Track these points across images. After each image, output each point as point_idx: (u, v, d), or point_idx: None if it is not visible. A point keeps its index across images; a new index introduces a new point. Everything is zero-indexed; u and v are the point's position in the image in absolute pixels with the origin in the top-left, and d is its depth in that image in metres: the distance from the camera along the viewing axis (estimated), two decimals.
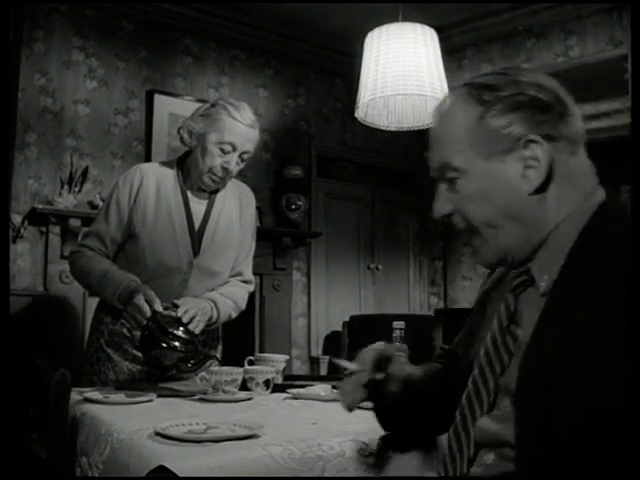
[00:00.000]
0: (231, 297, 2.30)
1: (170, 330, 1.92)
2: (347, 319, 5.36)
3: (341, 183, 5.89)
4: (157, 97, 4.76)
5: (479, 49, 5.52)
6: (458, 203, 1.13)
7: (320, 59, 5.72)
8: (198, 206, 2.28)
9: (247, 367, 1.98)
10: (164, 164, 2.32)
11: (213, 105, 2.21)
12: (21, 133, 4.26)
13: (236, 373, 1.83)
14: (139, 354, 2.15)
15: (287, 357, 2.21)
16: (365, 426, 1.41)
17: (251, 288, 2.43)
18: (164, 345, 1.88)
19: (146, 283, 2.11)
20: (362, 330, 5.28)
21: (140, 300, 1.99)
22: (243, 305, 2.36)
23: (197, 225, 2.25)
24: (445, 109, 1.14)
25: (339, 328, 5.43)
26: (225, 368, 1.85)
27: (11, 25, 4.34)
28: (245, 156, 2.20)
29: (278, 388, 2.00)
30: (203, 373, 1.95)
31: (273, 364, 2.12)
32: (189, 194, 2.27)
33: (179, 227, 2.21)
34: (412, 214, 6.38)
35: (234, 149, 2.15)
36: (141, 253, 2.19)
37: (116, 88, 4.68)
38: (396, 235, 6.23)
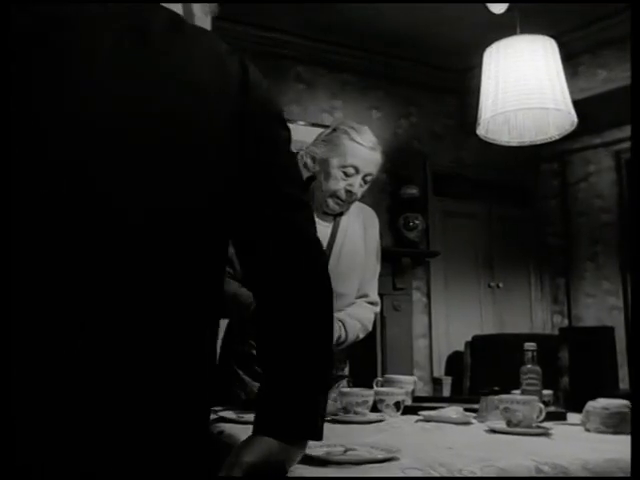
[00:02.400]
0: (358, 318, 2.29)
1: None
2: (469, 339, 5.25)
3: (457, 200, 5.81)
4: None
5: (594, 54, 5.33)
6: None
7: (430, 77, 5.69)
8: (323, 229, 2.28)
9: (377, 389, 1.96)
10: None
11: (334, 130, 2.23)
12: None
13: (367, 395, 1.82)
14: None
15: (415, 378, 2.19)
16: (497, 450, 1.37)
17: (377, 309, 2.42)
18: None
19: None
20: (485, 350, 5.15)
21: None
22: (370, 326, 2.35)
23: (325, 244, 2.27)
24: None
25: (461, 348, 5.32)
26: (356, 390, 1.84)
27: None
28: (368, 178, 2.21)
29: (408, 410, 1.97)
30: (334, 394, 1.95)
31: (402, 385, 2.10)
32: (315, 216, 2.30)
33: None
34: (530, 230, 6.22)
35: (357, 172, 2.16)
36: None
37: None
38: (515, 252, 6.08)
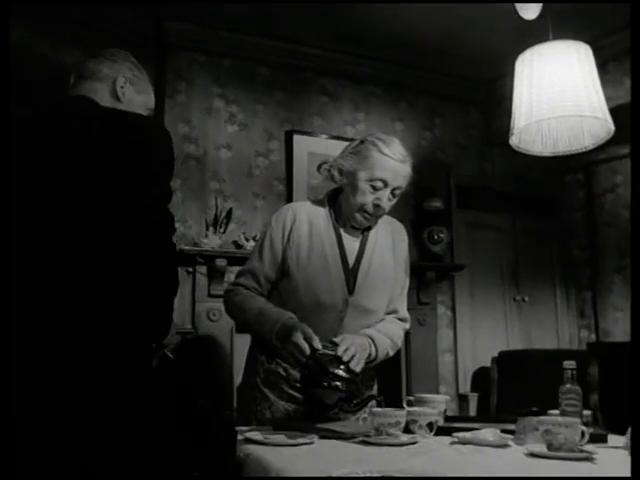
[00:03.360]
0: (388, 334, 2.23)
1: (331, 369, 1.86)
2: (495, 354, 5.16)
3: (481, 213, 5.72)
4: (296, 137, 4.83)
5: (619, 62, 5.23)
6: None
7: (454, 87, 5.63)
8: (351, 243, 2.24)
9: (409, 409, 1.89)
10: (315, 202, 2.30)
11: (362, 141, 2.18)
12: None
13: (400, 415, 1.74)
14: (295, 394, 2.12)
15: (447, 397, 2.10)
16: (539, 475, 1.29)
17: (407, 326, 2.36)
18: (325, 384, 1.84)
19: (303, 321, 2.07)
20: (512, 366, 5.06)
21: (299, 338, 1.95)
22: (400, 343, 2.29)
23: (351, 262, 2.21)
24: None
25: (486, 363, 5.24)
26: (388, 410, 1.76)
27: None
28: (397, 192, 2.15)
29: (441, 431, 1.90)
30: (365, 414, 1.88)
31: (434, 405, 2.03)
32: (342, 231, 2.23)
33: (333, 265, 2.18)
34: (555, 242, 6.11)
35: (385, 185, 2.10)
36: (295, 291, 2.17)
37: (256, 131, 4.78)
38: (540, 264, 5.97)
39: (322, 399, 1.85)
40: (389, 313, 2.30)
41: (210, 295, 4.29)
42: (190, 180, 4.50)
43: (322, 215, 2.23)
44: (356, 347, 1.99)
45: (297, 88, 4.98)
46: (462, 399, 5.28)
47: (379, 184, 2.09)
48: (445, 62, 5.31)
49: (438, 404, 2.04)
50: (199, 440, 1.70)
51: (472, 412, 5.22)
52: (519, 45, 4.93)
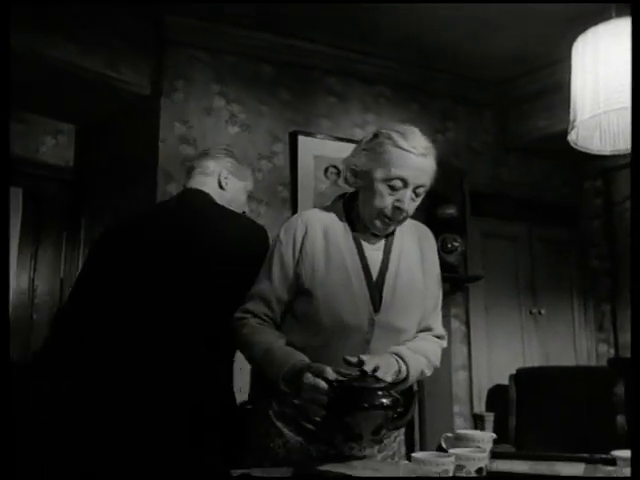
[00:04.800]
0: (422, 352, 1.95)
1: (359, 385, 1.60)
2: (511, 371, 4.85)
3: (496, 221, 5.42)
4: (301, 139, 4.52)
5: None
6: None
7: (467, 89, 5.34)
8: (374, 253, 1.94)
9: (456, 452, 1.56)
10: (328, 209, 2.01)
11: (376, 135, 1.89)
12: (162, 184, 4.11)
13: (447, 463, 1.43)
14: (314, 428, 1.84)
15: (494, 435, 1.77)
16: None
17: (444, 344, 2.09)
18: (361, 406, 1.56)
19: (323, 347, 1.82)
20: (531, 384, 4.75)
21: (310, 379, 1.67)
22: (437, 362, 2.03)
23: (375, 275, 1.92)
24: None
25: (502, 381, 4.93)
26: (432, 456, 1.44)
27: (147, 77, 4.28)
28: (420, 191, 1.86)
29: (492, 476, 1.58)
30: (405, 462, 1.57)
31: (479, 444, 1.70)
32: (362, 240, 1.94)
33: (355, 279, 1.88)
34: (573, 251, 5.82)
35: (405, 185, 1.81)
36: (315, 312, 1.86)
37: (259, 132, 4.48)
38: (557, 275, 5.67)
39: (359, 424, 1.57)
40: (422, 331, 2.02)
41: None
42: None
43: (338, 223, 1.94)
44: (378, 359, 1.71)
45: (303, 88, 4.68)
46: (477, 419, 4.96)
47: (398, 184, 1.81)
48: (458, 63, 5.03)
49: (484, 443, 1.72)
50: None
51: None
52: (532, 48, 4.72)
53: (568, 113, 5.14)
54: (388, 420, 1.59)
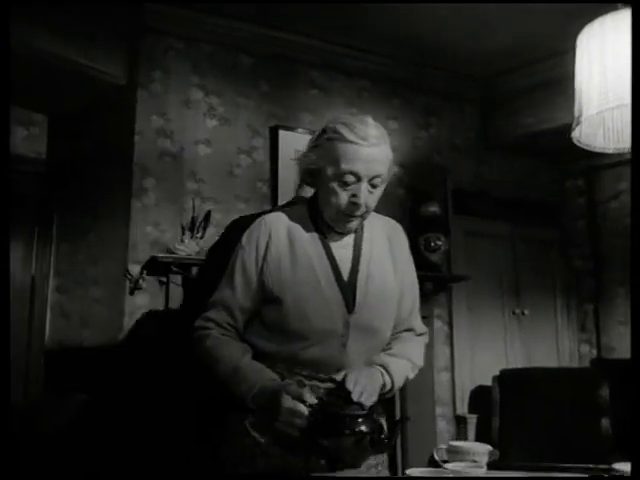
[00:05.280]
0: (406, 356, 1.89)
1: (341, 412, 1.53)
2: (494, 372, 4.76)
3: (479, 220, 5.33)
4: (282, 133, 4.39)
5: None
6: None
7: (451, 85, 5.24)
8: (343, 252, 1.85)
9: (451, 467, 1.45)
10: (292, 210, 1.91)
11: (324, 131, 1.78)
12: (138, 179, 3.96)
13: None
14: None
15: (490, 448, 1.67)
16: None
17: (427, 339, 2.03)
18: (341, 432, 1.49)
19: (298, 353, 1.74)
20: (514, 386, 4.66)
21: (289, 402, 1.58)
22: (421, 362, 1.97)
23: (346, 275, 1.82)
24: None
25: (485, 382, 4.84)
26: (430, 473, 1.33)
27: (123, 67, 4.12)
28: (377, 181, 1.75)
29: None
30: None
31: (475, 458, 1.59)
32: (328, 240, 1.85)
33: (325, 281, 1.79)
34: (556, 251, 5.75)
35: (358, 178, 1.72)
36: (286, 319, 1.76)
37: (238, 126, 4.33)
38: (541, 275, 5.60)
39: (338, 450, 1.50)
40: (404, 331, 1.94)
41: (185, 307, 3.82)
42: (165, 179, 4.04)
43: (302, 224, 1.85)
44: (364, 380, 1.65)
45: (284, 80, 4.55)
46: (460, 421, 4.86)
47: (351, 178, 1.72)
48: (443, 58, 4.94)
49: (481, 456, 1.61)
50: None
51: (471, 435, 4.81)
52: (518, 45, 4.63)
53: (553, 111, 5.13)
54: (370, 445, 1.53)
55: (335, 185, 1.73)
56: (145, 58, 4.09)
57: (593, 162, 5.64)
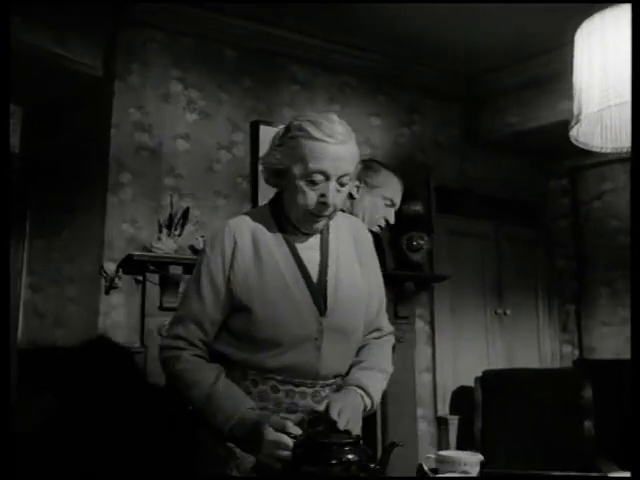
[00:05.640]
0: (378, 366, 1.85)
1: (329, 441, 1.47)
2: (476, 372, 4.70)
3: (462, 219, 5.27)
4: (263, 129, 4.29)
5: None
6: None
7: (435, 81, 5.17)
8: (310, 253, 1.79)
9: (440, 477, 1.36)
10: (255, 214, 1.84)
11: (288, 129, 1.73)
12: (115, 174, 3.85)
13: None
14: None
15: (481, 458, 1.59)
16: None
17: (393, 339, 1.97)
18: (328, 463, 1.43)
19: (271, 362, 1.68)
20: (497, 387, 4.61)
21: (272, 435, 1.52)
22: (392, 368, 1.91)
23: (315, 277, 1.76)
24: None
25: (466, 382, 4.79)
26: None
27: (100, 58, 4.01)
28: (345, 180, 1.70)
29: None
30: None
31: (465, 468, 1.51)
32: (294, 242, 1.78)
33: (294, 284, 1.73)
34: (540, 251, 5.72)
35: (327, 177, 1.66)
36: (256, 328, 1.69)
37: (218, 121, 4.23)
38: (523, 275, 5.56)
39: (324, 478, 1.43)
40: (372, 332, 1.90)
41: (162, 308, 3.72)
42: (142, 174, 3.93)
43: (267, 228, 1.78)
44: (348, 408, 1.61)
45: (266, 75, 4.45)
46: (441, 422, 4.80)
47: (319, 177, 1.66)
48: (428, 54, 4.87)
49: (472, 467, 1.53)
50: None
51: (452, 437, 4.75)
52: (510, 39, 4.57)
53: (538, 109, 5.08)
54: (359, 473, 1.47)
55: (303, 184, 1.66)
56: (123, 49, 3.98)
57: (577, 162, 5.60)
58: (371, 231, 2.52)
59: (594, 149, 1.97)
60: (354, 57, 4.75)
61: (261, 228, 1.77)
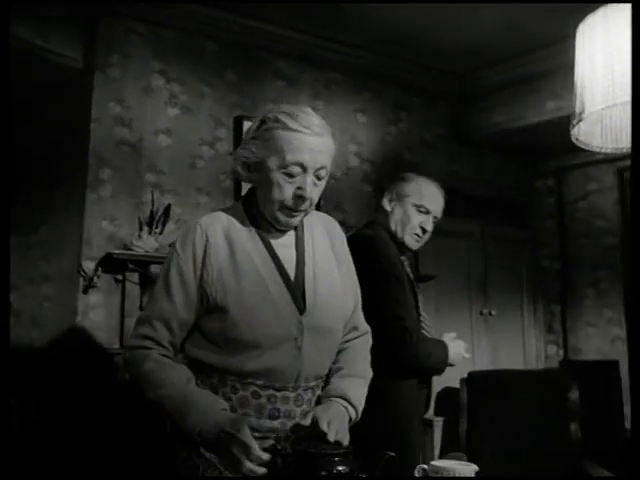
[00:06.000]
0: (358, 373, 1.77)
1: (322, 452, 1.40)
2: (462, 374, 4.64)
3: (449, 218, 5.15)
4: (247, 125, 4.19)
5: None
6: None
7: (423, 79, 5.10)
8: (286, 250, 1.70)
9: None
10: (227, 210, 1.74)
11: (263, 121, 1.63)
12: (94, 169, 3.75)
13: None
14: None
15: (476, 468, 1.51)
16: None
17: (370, 339, 1.88)
18: (319, 475, 1.34)
19: (249, 364, 1.58)
20: (482, 388, 4.55)
21: (248, 437, 1.45)
22: (371, 372, 1.82)
23: (292, 275, 1.68)
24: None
25: (452, 384, 4.72)
26: None
27: (80, 49, 3.90)
28: (322, 173, 1.62)
29: None
30: None
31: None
32: (270, 239, 1.69)
33: (272, 283, 1.64)
34: (526, 251, 5.68)
35: (304, 169, 1.58)
36: (232, 329, 1.59)
37: (201, 116, 4.14)
38: (509, 275, 5.51)
39: None
40: (350, 331, 1.82)
41: (143, 308, 3.62)
42: (122, 170, 3.83)
43: (240, 224, 1.69)
44: (336, 420, 1.55)
45: (251, 69, 4.36)
46: (426, 424, 4.73)
47: (296, 169, 1.58)
48: (414, 51, 4.81)
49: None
50: None
51: (437, 439, 4.69)
52: (500, 37, 4.52)
53: (525, 109, 5.04)
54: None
55: (279, 177, 1.58)
56: (104, 41, 3.88)
57: (563, 162, 5.58)
58: (405, 240, 2.48)
59: (594, 149, 1.89)
60: (340, 53, 4.68)
61: (235, 225, 1.68)
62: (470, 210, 5.31)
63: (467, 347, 2.54)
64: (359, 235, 2.41)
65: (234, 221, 1.69)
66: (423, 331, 2.44)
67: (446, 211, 5.09)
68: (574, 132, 1.81)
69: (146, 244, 3.66)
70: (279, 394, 1.60)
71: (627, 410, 5.14)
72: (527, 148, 5.46)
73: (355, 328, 1.83)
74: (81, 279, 3.59)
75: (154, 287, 1.72)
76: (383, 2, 4.05)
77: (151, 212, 3.75)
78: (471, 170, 5.33)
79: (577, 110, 1.73)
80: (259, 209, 1.69)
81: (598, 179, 5.59)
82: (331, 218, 1.89)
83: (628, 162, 5.13)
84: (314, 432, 1.47)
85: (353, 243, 1.96)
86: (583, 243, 5.61)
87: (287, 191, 1.59)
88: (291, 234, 1.73)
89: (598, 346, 5.47)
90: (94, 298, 3.62)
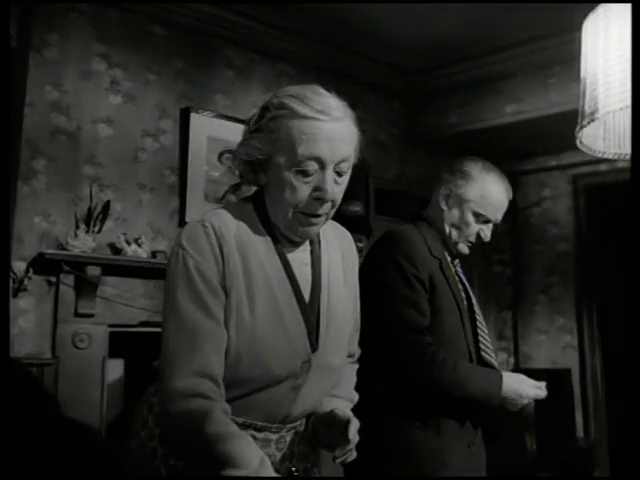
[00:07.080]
0: (347, 396, 1.57)
1: None
2: None
3: (400, 221, 5.04)
4: (194, 117, 3.95)
5: (569, 67, 4.68)
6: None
7: (378, 77, 4.94)
8: (303, 271, 1.42)
9: None
10: (233, 212, 1.40)
11: (265, 108, 1.35)
12: (27, 158, 3.46)
13: None
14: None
15: None
16: None
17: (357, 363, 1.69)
18: None
19: (236, 401, 1.31)
20: None
21: None
22: (356, 395, 1.61)
23: (307, 298, 1.39)
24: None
25: None
26: None
27: (14, 26, 3.57)
28: (344, 167, 1.33)
29: None
30: None
31: None
32: (286, 252, 1.40)
33: (290, 315, 1.36)
34: (477, 256, 5.56)
35: (322, 165, 1.29)
36: (233, 362, 1.30)
37: (145, 105, 3.86)
38: None
39: None
40: (347, 357, 1.58)
41: (78, 314, 3.38)
42: (58, 161, 3.54)
43: (253, 232, 1.38)
44: (356, 421, 1.36)
45: (200, 57, 4.11)
46: None
47: (312, 166, 1.29)
48: (370, 47, 4.66)
49: None
50: None
51: None
52: (455, 36, 4.37)
53: (482, 111, 4.89)
54: None
55: (290, 176, 1.29)
56: (41, 18, 3.56)
57: (517, 167, 5.49)
58: (458, 248, 2.20)
59: (597, 154, 1.72)
60: (292, 43, 4.48)
61: (247, 233, 1.37)
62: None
63: (542, 386, 2.02)
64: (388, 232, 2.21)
65: (245, 228, 1.38)
66: (483, 354, 2.03)
67: (397, 214, 4.99)
68: (579, 135, 1.61)
69: (83, 243, 3.41)
70: (259, 435, 1.35)
71: (579, 418, 5.10)
72: (481, 152, 5.32)
73: (352, 355, 1.62)
74: (10, 281, 3.28)
75: (167, 310, 1.33)
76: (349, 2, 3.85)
77: (89, 208, 3.50)
78: (425, 173, 5.19)
79: (587, 111, 1.53)
80: (271, 213, 1.39)
81: (552, 185, 5.53)
82: (346, 232, 1.60)
83: (582, 169, 5.04)
84: (334, 423, 1.35)
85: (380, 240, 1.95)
86: (535, 249, 5.55)
87: (301, 193, 1.31)
88: (306, 249, 1.44)
89: (549, 354, 5.41)
90: (24, 302, 3.33)
